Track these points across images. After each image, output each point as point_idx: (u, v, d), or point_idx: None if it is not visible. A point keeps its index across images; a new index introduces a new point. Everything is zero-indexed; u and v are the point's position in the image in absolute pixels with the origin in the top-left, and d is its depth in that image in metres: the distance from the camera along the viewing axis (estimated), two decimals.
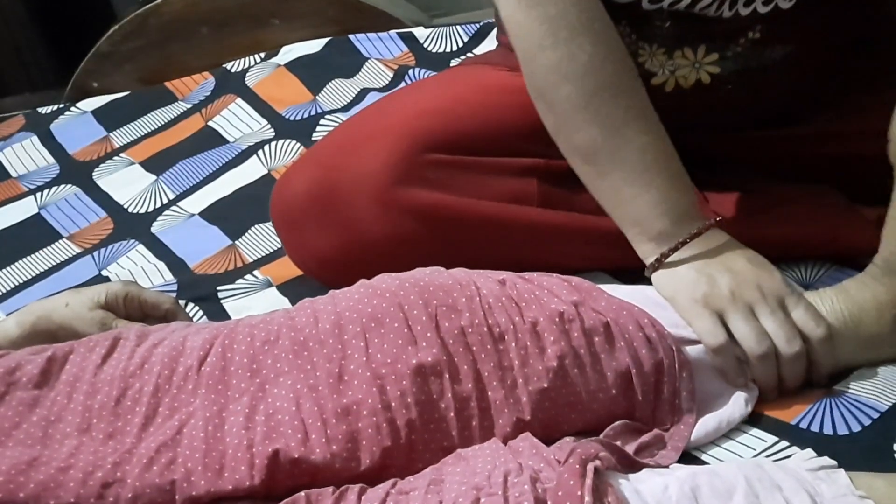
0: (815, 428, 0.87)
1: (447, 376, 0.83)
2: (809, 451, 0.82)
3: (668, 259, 0.93)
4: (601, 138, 0.94)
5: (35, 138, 1.76)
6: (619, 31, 1.02)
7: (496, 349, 0.85)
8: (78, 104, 1.85)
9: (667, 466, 0.82)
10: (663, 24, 1.04)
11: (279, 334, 0.86)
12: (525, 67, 0.98)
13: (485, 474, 0.74)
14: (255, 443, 0.79)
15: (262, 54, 1.86)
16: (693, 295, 0.91)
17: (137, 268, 1.33)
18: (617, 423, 0.85)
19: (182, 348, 0.86)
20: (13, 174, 1.68)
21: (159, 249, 1.38)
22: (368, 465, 0.80)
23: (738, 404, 0.89)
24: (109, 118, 1.79)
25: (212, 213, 1.45)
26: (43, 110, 1.85)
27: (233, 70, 1.83)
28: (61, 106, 1.86)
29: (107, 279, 1.31)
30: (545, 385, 0.84)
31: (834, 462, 0.77)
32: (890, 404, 0.88)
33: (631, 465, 0.79)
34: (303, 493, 0.76)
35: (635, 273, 0.98)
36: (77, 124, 1.79)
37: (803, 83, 1.10)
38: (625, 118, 0.94)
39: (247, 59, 1.85)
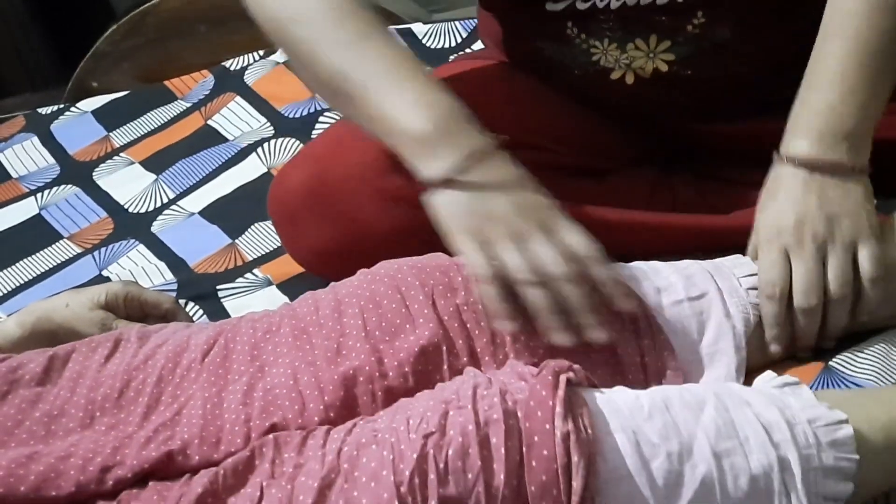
0: None
1: (444, 350, 0.83)
2: (770, 373, 0.83)
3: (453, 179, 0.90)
4: (340, 60, 0.95)
5: (35, 139, 1.76)
6: (568, 33, 1.00)
7: (489, 325, 0.85)
8: (78, 104, 1.85)
9: None
10: (607, 21, 1.04)
11: (281, 324, 0.87)
12: (261, 26, 1.02)
13: (453, 388, 0.75)
14: (252, 417, 0.79)
15: (261, 52, 1.85)
16: None
17: (138, 268, 1.34)
18: None
19: (186, 345, 0.86)
20: (14, 175, 1.68)
21: (159, 249, 1.38)
22: None
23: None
24: (109, 118, 1.79)
25: (211, 212, 1.45)
26: (43, 111, 1.85)
27: (232, 68, 1.82)
28: (61, 106, 1.86)
29: (107, 279, 1.32)
30: (536, 360, 0.84)
31: (796, 378, 0.80)
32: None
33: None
34: (271, 436, 0.76)
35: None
36: (77, 124, 1.79)
37: (770, 58, 1.08)
38: (360, 38, 0.96)
39: (246, 56, 1.84)
